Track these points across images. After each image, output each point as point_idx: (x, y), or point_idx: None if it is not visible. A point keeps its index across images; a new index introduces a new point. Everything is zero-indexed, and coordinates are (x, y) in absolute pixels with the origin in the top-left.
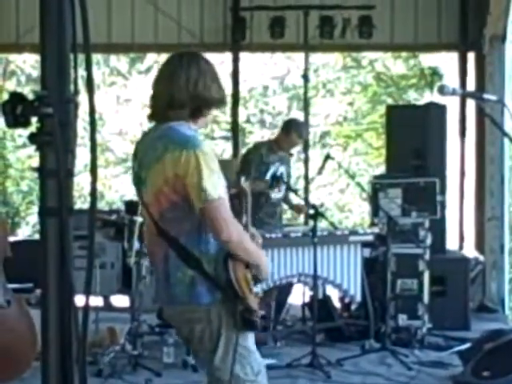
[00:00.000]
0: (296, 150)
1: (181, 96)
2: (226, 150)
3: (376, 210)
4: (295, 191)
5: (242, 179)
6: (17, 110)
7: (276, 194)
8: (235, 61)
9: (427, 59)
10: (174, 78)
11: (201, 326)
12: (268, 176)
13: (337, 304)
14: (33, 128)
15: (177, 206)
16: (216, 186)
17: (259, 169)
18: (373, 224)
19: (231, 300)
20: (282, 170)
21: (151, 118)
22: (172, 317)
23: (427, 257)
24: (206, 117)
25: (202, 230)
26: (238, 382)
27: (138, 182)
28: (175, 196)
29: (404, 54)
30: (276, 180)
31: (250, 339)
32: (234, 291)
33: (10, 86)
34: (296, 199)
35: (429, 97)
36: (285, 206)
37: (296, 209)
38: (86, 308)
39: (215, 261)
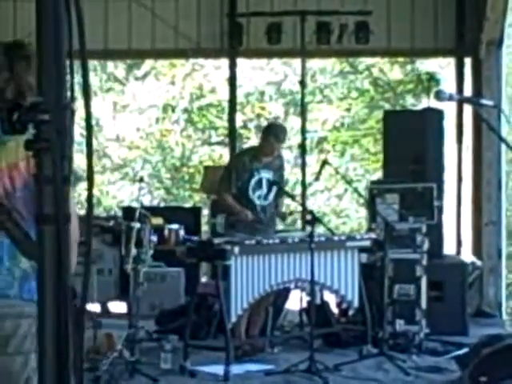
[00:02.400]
0: (293, 156)
1: None
2: (223, 155)
3: (373, 215)
4: (292, 196)
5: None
6: (13, 116)
7: (262, 202)
8: (232, 66)
9: (424, 64)
10: None
11: (29, 321)
12: (252, 183)
13: (334, 309)
14: (29, 135)
15: (28, 187)
16: None
17: (242, 177)
18: (370, 229)
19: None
20: (268, 176)
21: None
22: None
23: (424, 262)
24: None
25: None
26: None
27: None
28: (29, 176)
29: (401, 59)
30: (268, 184)
31: None
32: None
33: None
34: (284, 206)
35: (426, 102)
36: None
37: (280, 216)
38: (83, 314)
39: None
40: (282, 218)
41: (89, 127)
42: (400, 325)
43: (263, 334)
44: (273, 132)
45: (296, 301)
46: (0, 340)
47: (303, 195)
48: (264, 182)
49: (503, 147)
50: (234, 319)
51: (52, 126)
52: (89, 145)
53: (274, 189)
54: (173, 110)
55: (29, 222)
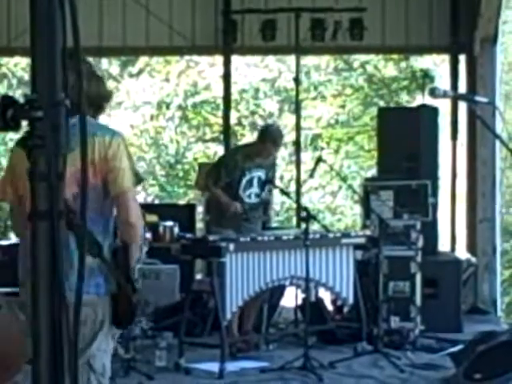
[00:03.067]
0: (288, 153)
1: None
2: (217, 152)
3: (368, 212)
4: (287, 194)
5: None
6: (7, 113)
7: (250, 200)
8: (226, 63)
9: (419, 61)
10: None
11: (87, 310)
12: (243, 182)
13: (329, 306)
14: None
15: (94, 189)
16: None
17: (232, 175)
18: (365, 226)
19: (124, 290)
20: (259, 174)
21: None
22: None
23: (419, 259)
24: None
25: (109, 215)
26: (105, 372)
27: None
28: (95, 178)
29: (395, 56)
30: (265, 183)
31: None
32: (130, 281)
33: (1, 89)
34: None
35: (420, 99)
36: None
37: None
38: (77, 311)
39: (111, 248)
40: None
41: (83, 123)
42: (395, 322)
43: (258, 331)
44: (271, 137)
45: (291, 298)
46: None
47: (298, 192)
48: (255, 181)
49: (498, 144)
50: (229, 316)
51: (46, 122)
52: (83, 142)
53: (267, 187)
54: (167, 107)
55: (92, 220)
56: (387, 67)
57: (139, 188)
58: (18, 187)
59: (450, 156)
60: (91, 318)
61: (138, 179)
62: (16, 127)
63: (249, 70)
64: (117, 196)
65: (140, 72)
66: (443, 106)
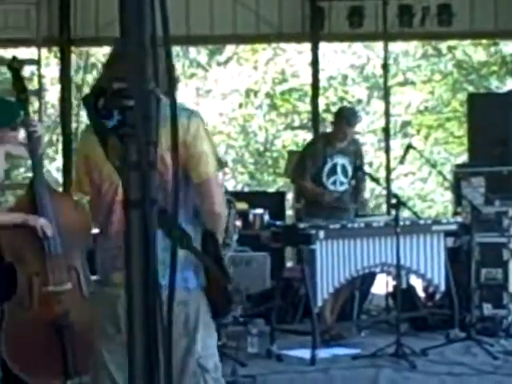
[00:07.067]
0: (377, 139)
1: None
2: (306, 139)
3: (459, 199)
4: (377, 180)
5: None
6: (98, 103)
7: (335, 187)
8: (314, 51)
9: (508, 46)
10: None
11: (179, 309)
12: (326, 169)
13: (421, 293)
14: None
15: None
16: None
17: (316, 163)
18: (456, 213)
19: (217, 279)
20: (342, 162)
21: None
22: None
23: None
24: None
25: (195, 203)
26: (217, 369)
27: None
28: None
29: (484, 41)
30: (355, 171)
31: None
32: (223, 269)
33: (91, 79)
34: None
35: (511, 84)
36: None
37: (362, 203)
38: (171, 298)
39: (201, 239)
40: (362, 206)
41: (173, 113)
42: (487, 309)
43: (350, 319)
44: (344, 117)
45: (382, 285)
46: None
47: (387, 179)
48: (339, 168)
49: None
50: (320, 303)
51: (137, 111)
52: (173, 130)
53: (349, 174)
54: (255, 95)
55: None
56: (476, 52)
57: (228, 176)
58: (94, 177)
59: None
60: (181, 318)
61: (220, 164)
62: (108, 116)
63: (336, 56)
64: (199, 184)
65: (228, 60)
66: None
